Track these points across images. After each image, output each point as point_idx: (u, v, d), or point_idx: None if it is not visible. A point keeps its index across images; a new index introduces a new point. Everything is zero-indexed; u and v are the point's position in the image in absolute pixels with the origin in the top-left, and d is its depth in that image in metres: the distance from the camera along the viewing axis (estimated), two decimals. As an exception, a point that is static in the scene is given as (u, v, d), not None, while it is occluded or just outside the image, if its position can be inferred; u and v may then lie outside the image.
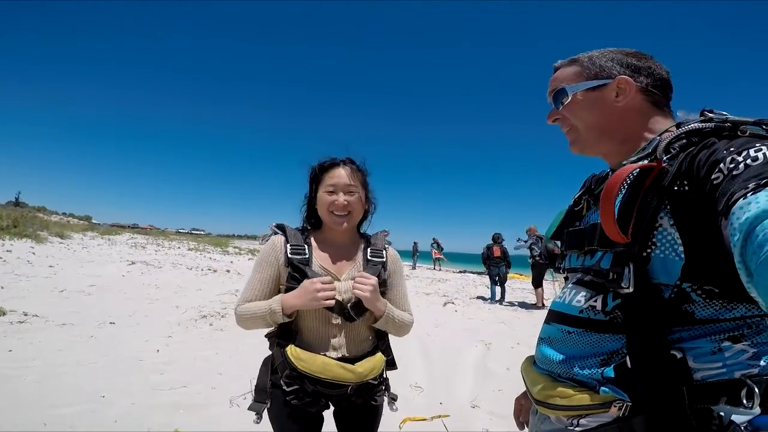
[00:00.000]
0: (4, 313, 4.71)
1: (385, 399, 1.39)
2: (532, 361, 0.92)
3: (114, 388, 2.93)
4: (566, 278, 0.95)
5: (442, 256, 20.52)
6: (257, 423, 1.25)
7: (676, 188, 0.64)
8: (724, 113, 0.69)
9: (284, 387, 1.22)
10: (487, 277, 9.18)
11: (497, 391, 3.32)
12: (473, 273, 17.62)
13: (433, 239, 20.54)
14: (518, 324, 6.34)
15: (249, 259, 16.81)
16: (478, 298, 9.29)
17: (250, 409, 1.26)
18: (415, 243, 21.32)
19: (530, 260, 8.24)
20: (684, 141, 0.68)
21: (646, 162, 0.69)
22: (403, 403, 2.87)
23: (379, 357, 1.33)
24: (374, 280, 1.26)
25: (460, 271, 19.14)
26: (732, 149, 0.59)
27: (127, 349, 3.90)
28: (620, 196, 0.71)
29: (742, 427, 0.58)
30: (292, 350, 1.21)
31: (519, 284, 12.33)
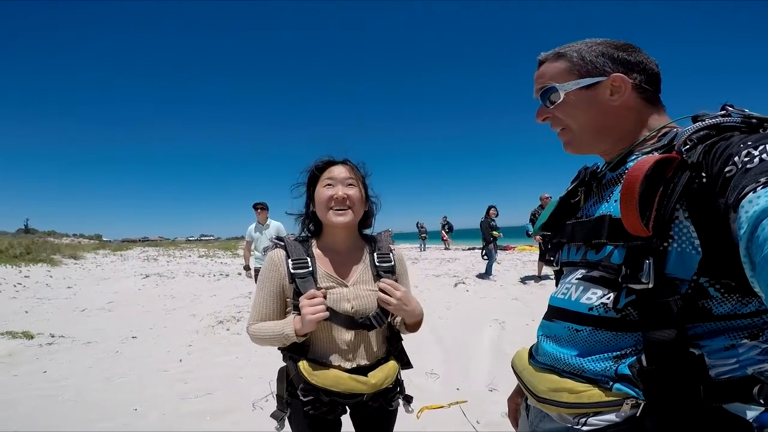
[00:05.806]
0: (32, 337, 4.89)
1: (401, 401, 1.39)
2: (528, 356, 0.88)
3: (144, 400, 3.07)
4: (559, 271, 0.93)
5: (448, 239, 20.19)
6: (279, 430, 1.29)
7: (693, 180, 0.63)
8: (746, 110, 0.67)
9: (301, 397, 1.23)
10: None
11: (514, 371, 3.35)
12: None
13: (444, 218, 20.16)
14: (531, 299, 6.36)
15: (260, 260, 16.92)
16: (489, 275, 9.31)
17: (272, 416, 1.29)
18: (419, 224, 20.42)
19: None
20: (702, 134, 0.66)
21: (660, 154, 0.67)
22: (420, 392, 2.94)
23: (392, 365, 1.31)
24: (403, 290, 1.25)
25: (469, 248, 18.94)
26: (749, 143, 0.58)
27: (151, 361, 4.05)
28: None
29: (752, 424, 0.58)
30: (304, 365, 1.20)
31: (528, 256, 12.34)
